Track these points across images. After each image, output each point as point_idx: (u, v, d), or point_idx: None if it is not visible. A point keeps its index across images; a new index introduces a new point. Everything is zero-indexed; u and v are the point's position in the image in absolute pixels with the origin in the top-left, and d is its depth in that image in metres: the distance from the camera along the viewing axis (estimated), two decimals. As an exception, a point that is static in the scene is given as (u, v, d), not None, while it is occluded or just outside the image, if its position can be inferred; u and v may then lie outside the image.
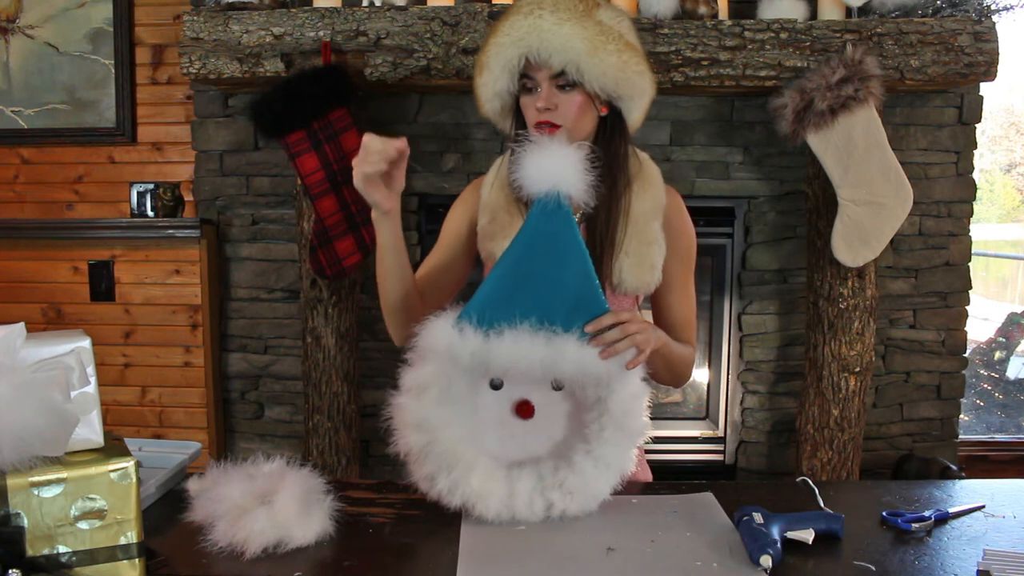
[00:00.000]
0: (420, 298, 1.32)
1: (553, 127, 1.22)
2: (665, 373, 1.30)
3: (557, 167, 1.09)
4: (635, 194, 1.30)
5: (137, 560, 0.92)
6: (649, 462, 1.47)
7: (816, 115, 2.28)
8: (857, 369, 2.48)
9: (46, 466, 0.88)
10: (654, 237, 1.30)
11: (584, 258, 1.10)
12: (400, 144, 1.13)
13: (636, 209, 1.29)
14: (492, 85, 1.25)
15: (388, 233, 1.20)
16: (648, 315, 1.44)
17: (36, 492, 0.87)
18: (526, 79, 1.24)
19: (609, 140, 1.29)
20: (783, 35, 2.35)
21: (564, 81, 1.22)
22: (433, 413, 1.09)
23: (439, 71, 2.33)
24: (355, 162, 1.13)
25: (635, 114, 1.30)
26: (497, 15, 2.32)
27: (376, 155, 1.12)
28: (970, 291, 2.79)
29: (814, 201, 2.48)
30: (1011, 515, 1.18)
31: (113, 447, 0.96)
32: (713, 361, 2.82)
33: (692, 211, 2.70)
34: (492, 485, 1.10)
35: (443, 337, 1.07)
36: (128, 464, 0.91)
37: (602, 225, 1.28)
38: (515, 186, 1.12)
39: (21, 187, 2.91)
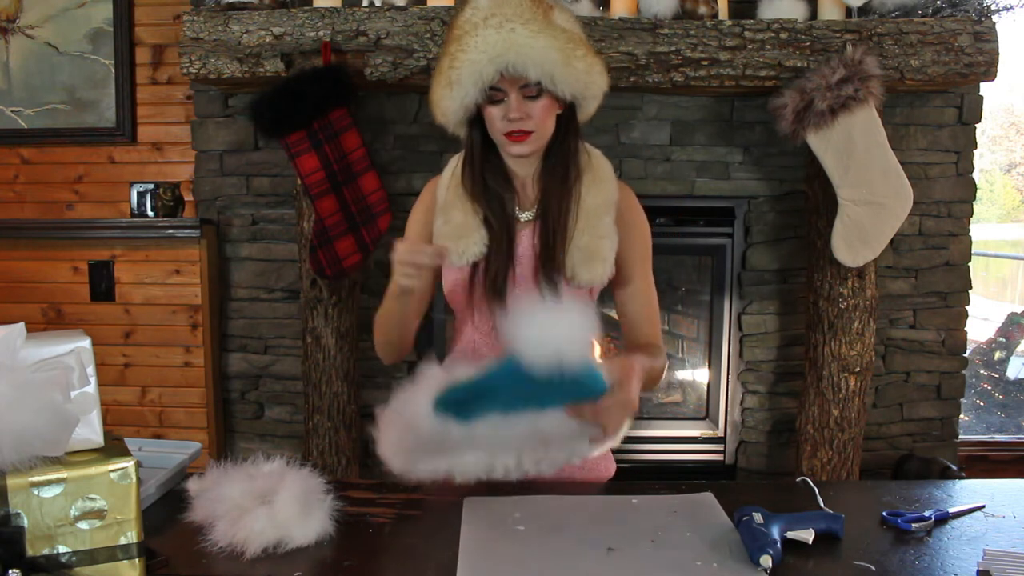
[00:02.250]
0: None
1: (525, 135, 1.24)
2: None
3: (561, 335, 1.00)
4: (586, 187, 1.32)
5: (137, 560, 0.92)
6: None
7: (816, 115, 2.28)
8: (857, 369, 2.48)
9: (46, 466, 0.88)
10: (606, 231, 1.32)
11: (563, 400, 1.06)
12: (435, 256, 1.17)
13: (587, 203, 1.32)
14: (461, 100, 1.25)
15: (407, 287, 1.23)
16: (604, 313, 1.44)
17: (36, 492, 0.87)
18: (494, 91, 1.24)
19: (564, 136, 1.32)
20: (783, 35, 2.35)
21: (533, 92, 1.23)
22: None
23: (439, 71, 2.33)
24: (398, 261, 1.17)
25: (591, 109, 1.32)
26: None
27: (411, 268, 1.17)
28: (970, 291, 2.79)
29: (814, 201, 2.48)
30: (1011, 515, 1.18)
31: (113, 447, 0.96)
32: (713, 361, 2.82)
33: (692, 211, 2.73)
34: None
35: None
36: (128, 464, 0.91)
37: (554, 218, 1.30)
38: (510, 347, 1.04)
39: (21, 187, 2.91)
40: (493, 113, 1.25)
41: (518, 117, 1.23)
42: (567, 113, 1.31)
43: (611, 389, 1.07)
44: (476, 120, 1.30)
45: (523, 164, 1.32)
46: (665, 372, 1.38)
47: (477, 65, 1.20)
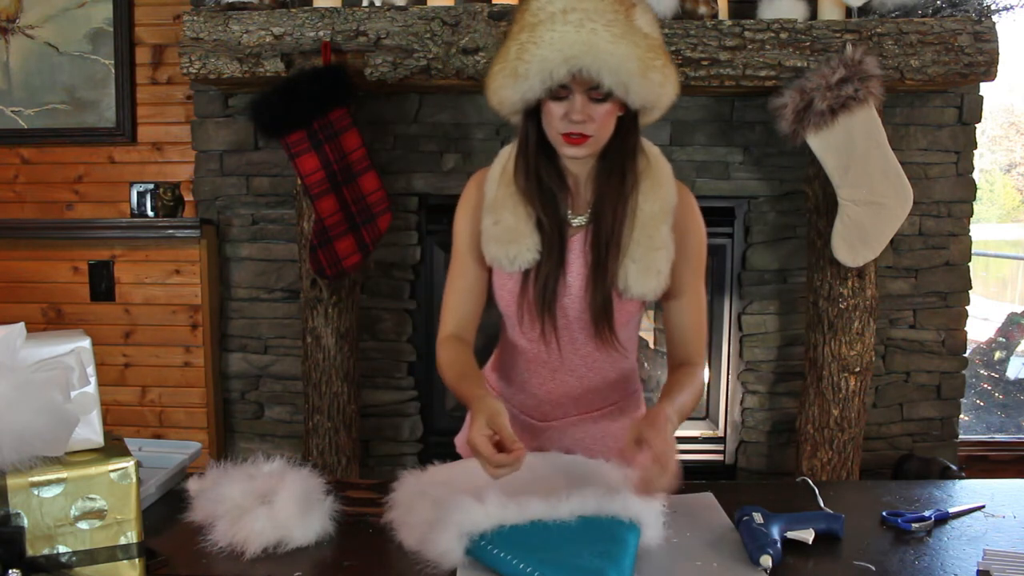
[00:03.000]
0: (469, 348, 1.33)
1: (583, 138, 1.18)
2: None
3: None
4: (643, 194, 1.25)
5: (137, 560, 0.92)
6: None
7: (816, 115, 2.28)
8: (857, 369, 2.48)
9: (46, 466, 0.88)
10: (662, 242, 1.25)
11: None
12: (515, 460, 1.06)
13: (644, 211, 1.25)
14: (523, 93, 1.16)
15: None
16: (641, 322, 1.41)
17: (36, 492, 0.87)
18: (560, 87, 1.16)
19: (624, 139, 1.24)
20: (783, 35, 2.35)
21: (600, 95, 1.15)
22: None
23: (439, 71, 2.33)
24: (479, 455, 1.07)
25: (655, 116, 1.25)
26: (502, 12, 2.31)
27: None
28: (970, 291, 2.79)
29: (814, 201, 2.48)
30: (1011, 515, 1.18)
31: (113, 447, 0.96)
32: (713, 361, 2.82)
33: (692, 211, 2.72)
34: None
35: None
36: (128, 464, 0.91)
37: (607, 228, 1.24)
38: None
39: (21, 187, 2.91)
40: (554, 110, 1.17)
41: (581, 120, 1.16)
42: (628, 115, 1.23)
43: (644, 444, 1.06)
44: (533, 111, 1.22)
45: (579, 163, 1.26)
46: (704, 390, 1.33)
47: (549, 63, 1.12)
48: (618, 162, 1.25)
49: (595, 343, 1.31)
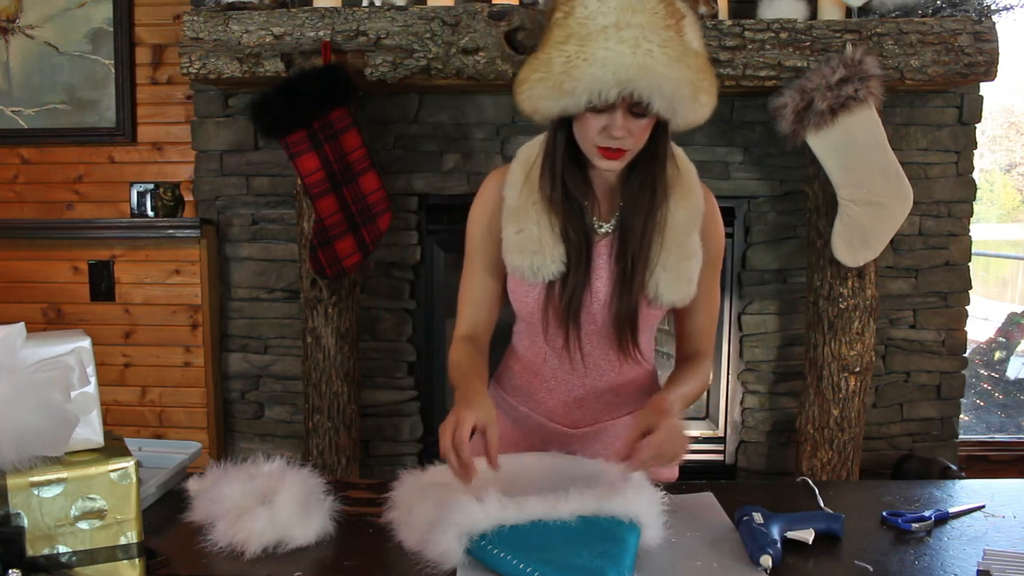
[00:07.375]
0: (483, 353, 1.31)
1: (621, 152, 1.14)
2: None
3: None
4: (674, 202, 1.23)
5: (137, 560, 0.92)
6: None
7: (816, 115, 2.28)
8: (857, 369, 2.48)
9: (46, 466, 0.88)
10: (693, 250, 1.24)
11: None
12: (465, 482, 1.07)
13: (676, 219, 1.23)
14: (565, 108, 1.11)
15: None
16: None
17: (36, 492, 0.87)
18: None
19: (655, 148, 1.20)
20: (783, 35, 2.35)
21: (641, 110, 1.10)
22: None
23: (439, 71, 2.33)
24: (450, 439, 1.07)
25: (688, 127, 1.21)
26: (502, 12, 2.31)
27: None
28: (970, 291, 2.79)
29: (814, 201, 2.48)
30: (1011, 515, 1.18)
31: (113, 447, 0.96)
32: (713, 361, 2.82)
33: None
34: None
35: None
36: (128, 464, 0.91)
37: (635, 241, 1.21)
38: None
39: (21, 187, 2.91)
40: (592, 123, 1.12)
41: (621, 136, 1.11)
42: (658, 124, 1.19)
43: (651, 427, 1.11)
44: (565, 119, 1.17)
45: (609, 172, 1.22)
46: (710, 378, 1.33)
47: (600, 84, 1.06)
48: (648, 173, 1.21)
49: (617, 351, 1.29)
